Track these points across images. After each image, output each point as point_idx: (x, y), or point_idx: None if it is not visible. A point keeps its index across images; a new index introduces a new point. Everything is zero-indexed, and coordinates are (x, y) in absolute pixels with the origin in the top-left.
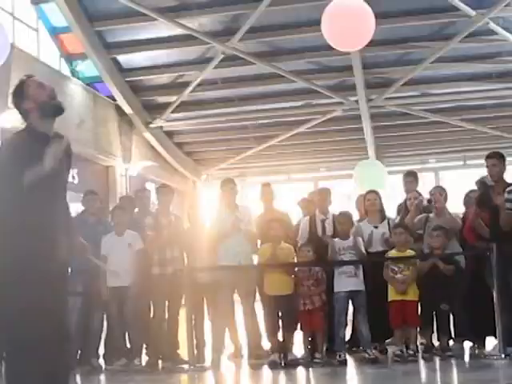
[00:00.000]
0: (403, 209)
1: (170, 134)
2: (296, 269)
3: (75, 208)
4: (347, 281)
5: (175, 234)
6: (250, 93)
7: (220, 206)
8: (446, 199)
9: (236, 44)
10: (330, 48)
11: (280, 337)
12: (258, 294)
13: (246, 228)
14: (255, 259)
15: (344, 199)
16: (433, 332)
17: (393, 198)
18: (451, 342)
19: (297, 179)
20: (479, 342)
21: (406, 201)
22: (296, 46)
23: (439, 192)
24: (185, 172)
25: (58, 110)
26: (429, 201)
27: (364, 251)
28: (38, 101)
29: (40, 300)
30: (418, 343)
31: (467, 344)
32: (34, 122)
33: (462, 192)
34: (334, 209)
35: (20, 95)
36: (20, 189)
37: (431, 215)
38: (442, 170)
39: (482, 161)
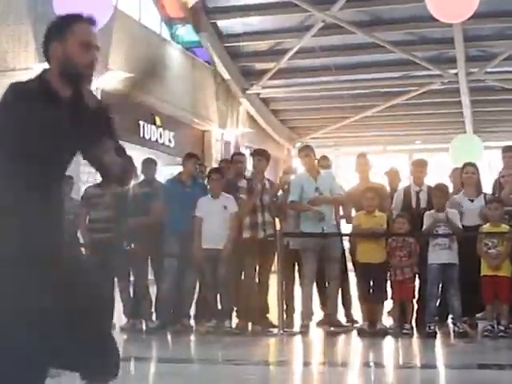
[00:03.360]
0: (498, 185)
1: (266, 101)
2: (389, 239)
3: (171, 170)
4: (441, 253)
5: (268, 198)
6: (348, 62)
7: (302, 173)
8: None
9: (336, 12)
10: (431, 19)
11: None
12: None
13: (326, 194)
14: (344, 225)
15: (439, 172)
16: None
17: (489, 174)
18: None
19: (392, 150)
20: None
21: (499, 177)
22: (396, 16)
23: None
24: (279, 139)
25: (82, 81)
26: None
27: (459, 224)
28: (68, 58)
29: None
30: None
31: None
32: (49, 75)
33: None
34: (430, 181)
35: (56, 33)
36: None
37: None
38: None
39: None
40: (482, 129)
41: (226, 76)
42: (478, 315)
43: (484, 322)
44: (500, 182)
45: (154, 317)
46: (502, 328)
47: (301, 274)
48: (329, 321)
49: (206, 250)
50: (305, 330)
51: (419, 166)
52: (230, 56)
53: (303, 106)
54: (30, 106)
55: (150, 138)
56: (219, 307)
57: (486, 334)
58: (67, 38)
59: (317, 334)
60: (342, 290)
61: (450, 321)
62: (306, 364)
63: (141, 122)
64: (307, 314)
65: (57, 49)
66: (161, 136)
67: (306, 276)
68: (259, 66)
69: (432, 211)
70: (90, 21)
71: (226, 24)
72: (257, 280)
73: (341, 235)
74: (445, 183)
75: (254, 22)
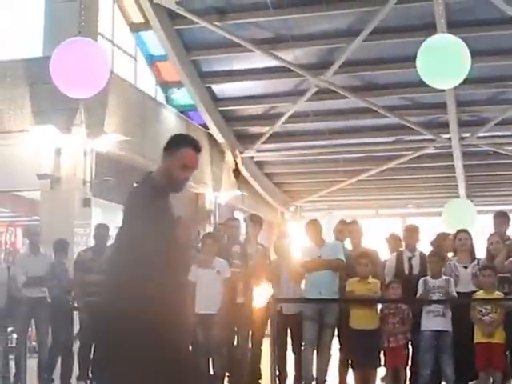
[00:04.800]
0: (487, 251)
1: (260, 165)
2: (380, 305)
3: None
4: (435, 320)
5: (261, 264)
6: (342, 126)
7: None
8: None
9: (329, 77)
10: (424, 84)
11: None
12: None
13: (331, 260)
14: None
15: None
16: None
17: (482, 238)
18: None
19: (385, 214)
20: None
21: (488, 244)
22: (390, 81)
23: None
24: (273, 203)
25: (175, 190)
26: None
27: (454, 292)
28: (170, 172)
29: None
30: None
31: None
32: (159, 178)
33: None
34: (422, 247)
35: (169, 148)
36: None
37: None
38: None
39: None
40: (475, 193)
41: (221, 139)
42: (471, 382)
43: None
44: (489, 249)
45: None
46: None
47: (294, 339)
48: None
49: (199, 315)
50: None
51: (411, 232)
52: (225, 120)
53: (297, 170)
54: (160, 200)
55: None
56: (211, 372)
57: None
58: (174, 155)
59: None
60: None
61: None
62: None
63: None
64: (309, 379)
65: (166, 159)
66: None
67: (306, 341)
68: (253, 129)
69: (427, 277)
70: (197, 147)
71: (220, 88)
72: (250, 345)
73: (335, 301)
74: (438, 250)
75: (249, 86)
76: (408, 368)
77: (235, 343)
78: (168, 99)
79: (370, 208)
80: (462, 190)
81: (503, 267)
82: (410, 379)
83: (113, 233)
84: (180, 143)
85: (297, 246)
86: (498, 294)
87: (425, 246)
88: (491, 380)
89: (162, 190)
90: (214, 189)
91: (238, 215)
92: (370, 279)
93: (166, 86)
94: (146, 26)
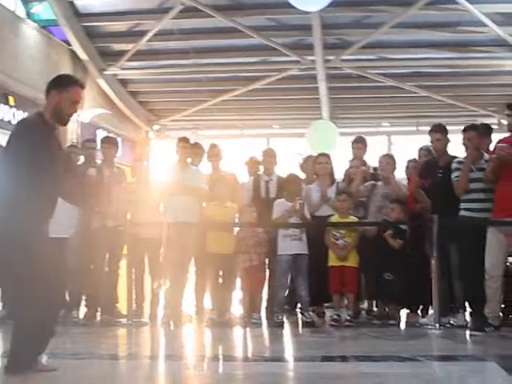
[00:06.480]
0: (346, 176)
1: (124, 83)
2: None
3: None
4: (291, 244)
5: (117, 186)
6: (207, 46)
7: (173, 163)
8: (394, 168)
9: None
10: (290, 6)
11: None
12: None
13: (195, 187)
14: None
15: (296, 157)
16: (372, 299)
17: (344, 160)
18: (387, 310)
19: (250, 135)
20: (416, 311)
21: (348, 168)
22: (256, 2)
23: (386, 161)
24: (137, 121)
25: (63, 123)
26: (375, 169)
27: (308, 215)
28: (60, 107)
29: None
30: (359, 308)
31: (404, 312)
32: (46, 113)
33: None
34: (282, 169)
35: (57, 87)
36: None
37: (378, 183)
38: (394, 135)
39: None
40: (339, 115)
41: (83, 56)
42: (325, 304)
43: (331, 310)
44: (349, 174)
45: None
46: (348, 317)
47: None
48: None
49: (52, 238)
50: (153, 319)
51: (268, 156)
52: (88, 36)
53: (162, 89)
54: (38, 133)
55: (3, 119)
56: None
57: (332, 323)
58: (63, 92)
59: (165, 324)
60: None
61: (298, 310)
62: (153, 358)
63: None
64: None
65: (54, 97)
66: (14, 116)
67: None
68: (117, 46)
69: (282, 199)
70: (82, 86)
71: (83, 3)
72: (106, 269)
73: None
74: (296, 174)
75: (113, 1)
76: (264, 291)
77: (91, 267)
78: (29, 14)
79: (235, 128)
80: (325, 111)
81: (359, 192)
82: (266, 301)
83: None
84: (68, 83)
85: (158, 165)
86: (352, 219)
87: (285, 169)
88: (345, 302)
89: (50, 123)
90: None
91: (102, 133)
92: (227, 203)
93: None
94: None
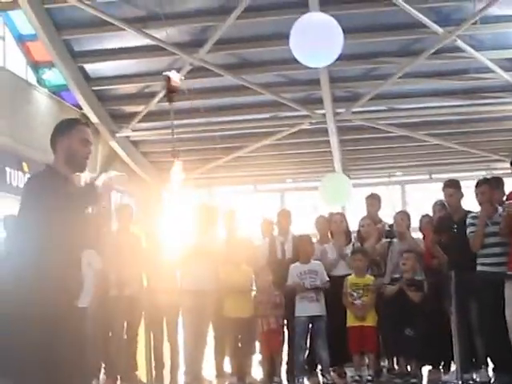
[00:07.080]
0: (357, 234)
1: (135, 143)
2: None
3: None
4: (308, 306)
5: (134, 254)
6: (218, 104)
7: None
8: (409, 224)
9: (204, 55)
10: (297, 61)
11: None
12: None
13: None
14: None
15: (311, 211)
16: (393, 357)
17: (358, 212)
18: (409, 367)
19: (263, 190)
20: (437, 368)
21: (360, 227)
22: (264, 59)
23: (401, 217)
24: (151, 181)
25: (81, 168)
26: (390, 226)
27: (325, 276)
28: (72, 151)
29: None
30: (380, 367)
31: (426, 369)
32: (58, 165)
33: (427, 207)
34: (296, 229)
35: (62, 132)
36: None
37: (394, 240)
38: (407, 184)
39: (447, 175)
40: (351, 167)
41: (95, 119)
42: (346, 364)
43: (352, 370)
44: (361, 232)
45: None
46: (369, 378)
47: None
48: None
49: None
50: None
51: (283, 217)
52: (98, 99)
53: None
54: (50, 187)
55: (18, 185)
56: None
57: (354, 383)
58: (71, 135)
59: None
60: None
61: (319, 371)
62: None
63: (7, 169)
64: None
65: (62, 143)
66: None
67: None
68: (128, 108)
69: (297, 263)
70: (87, 123)
71: (93, 67)
72: (125, 336)
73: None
74: (308, 235)
75: (122, 65)
76: (284, 353)
77: (110, 335)
78: (39, 80)
79: (249, 184)
80: (337, 164)
81: (374, 251)
82: (286, 364)
83: None
84: (70, 124)
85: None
86: (368, 278)
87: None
88: (366, 361)
89: (64, 176)
90: (89, 169)
91: (115, 195)
92: (243, 267)
93: (37, 66)
94: (14, 5)
